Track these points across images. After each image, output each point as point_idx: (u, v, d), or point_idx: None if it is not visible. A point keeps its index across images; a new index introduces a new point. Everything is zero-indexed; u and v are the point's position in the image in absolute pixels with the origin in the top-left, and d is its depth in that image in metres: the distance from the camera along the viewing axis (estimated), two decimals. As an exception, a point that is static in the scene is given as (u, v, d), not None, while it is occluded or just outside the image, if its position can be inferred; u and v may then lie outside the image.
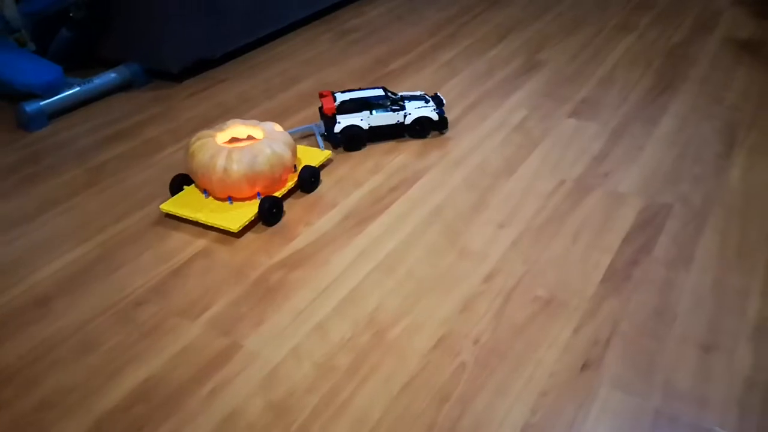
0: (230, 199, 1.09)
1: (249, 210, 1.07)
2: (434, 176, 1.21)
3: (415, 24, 2.01)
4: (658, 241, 1.00)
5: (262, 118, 1.48)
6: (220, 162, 1.03)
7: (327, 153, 1.25)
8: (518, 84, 1.57)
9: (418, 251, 1.01)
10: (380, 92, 1.31)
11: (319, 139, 1.32)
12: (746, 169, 1.17)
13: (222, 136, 1.14)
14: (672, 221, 1.04)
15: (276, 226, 1.08)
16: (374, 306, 0.90)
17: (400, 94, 1.36)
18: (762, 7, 2.00)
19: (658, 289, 0.91)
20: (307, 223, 1.09)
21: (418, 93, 1.37)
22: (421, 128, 1.32)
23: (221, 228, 1.05)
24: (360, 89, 1.33)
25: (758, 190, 1.11)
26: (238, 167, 1.03)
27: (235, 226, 1.03)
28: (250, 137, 1.19)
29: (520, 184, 1.17)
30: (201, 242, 1.05)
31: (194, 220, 1.07)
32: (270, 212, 1.06)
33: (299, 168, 1.19)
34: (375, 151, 1.30)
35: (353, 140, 1.30)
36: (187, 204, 1.10)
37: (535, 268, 0.96)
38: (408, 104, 1.31)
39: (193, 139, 1.10)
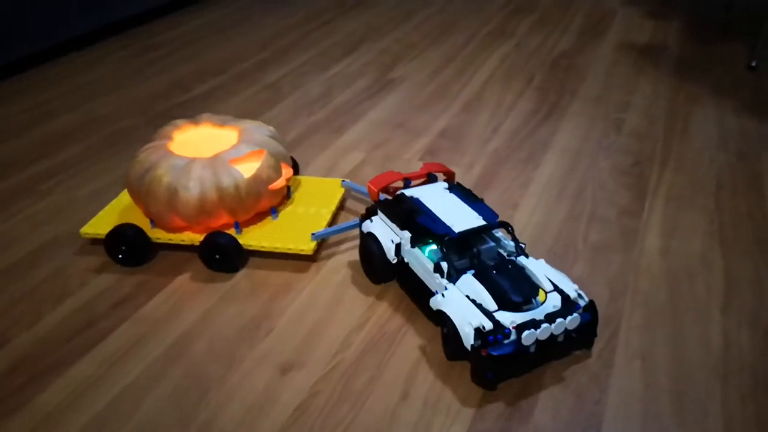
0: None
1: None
2: (194, 275, 0.75)
3: (243, 35, 1.55)
4: (541, 394, 0.58)
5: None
6: (135, 160, 0.80)
7: (311, 245, 0.74)
8: (361, 111, 1.14)
9: (112, 449, 0.54)
10: (469, 219, 0.66)
11: (346, 225, 0.78)
12: (667, 233, 0.79)
13: (189, 135, 0.85)
14: (563, 343, 0.63)
15: None
16: None
17: (522, 245, 0.68)
18: (658, 6, 1.69)
19: (542, 506, 0.49)
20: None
21: (551, 279, 0.63)
22: (443, 327, 0.62)
23: None
24: (471, 202, 0.69)
25: (690, 268, 0.73)
26: (130, 174, 0.79)
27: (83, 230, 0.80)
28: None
29: (333, 282, 0.73)
30: None
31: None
32: (116, 249, 0.77)
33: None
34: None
35: (366, 259, 0.73)
36: None
37: (326, 470, 0.52)
38: (465, 277, 0.61)
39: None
